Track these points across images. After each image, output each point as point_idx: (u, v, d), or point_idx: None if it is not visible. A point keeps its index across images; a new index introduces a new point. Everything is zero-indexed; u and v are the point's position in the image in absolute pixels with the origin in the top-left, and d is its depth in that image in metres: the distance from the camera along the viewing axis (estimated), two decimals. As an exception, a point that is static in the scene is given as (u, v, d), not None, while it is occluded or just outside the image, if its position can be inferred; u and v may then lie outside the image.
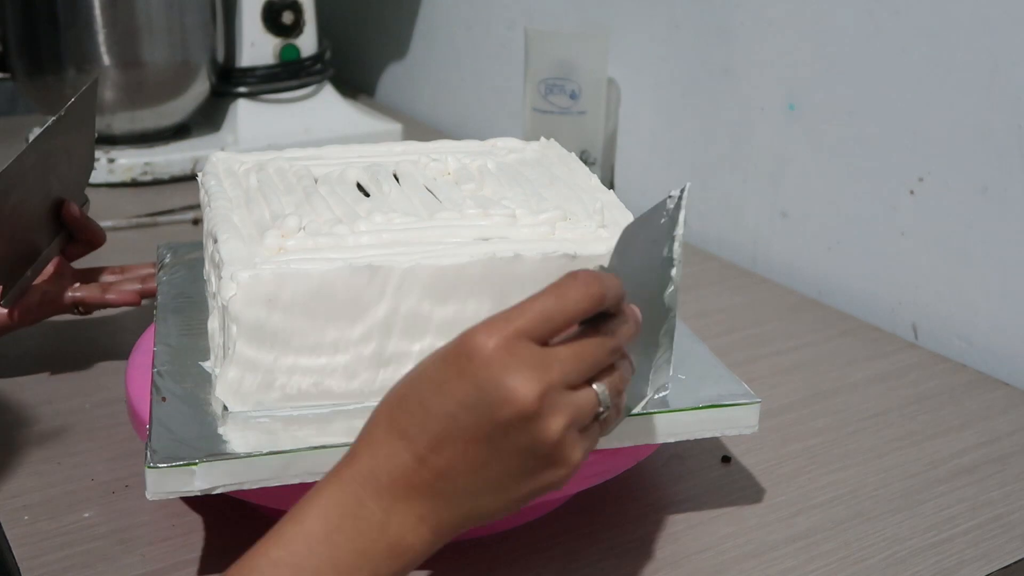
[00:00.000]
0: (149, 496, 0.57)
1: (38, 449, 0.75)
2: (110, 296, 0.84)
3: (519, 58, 1.27)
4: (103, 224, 1.12)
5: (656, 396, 0.65)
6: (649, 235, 0.59)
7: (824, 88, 1.01)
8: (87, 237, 0.84)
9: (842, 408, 0.83)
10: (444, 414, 0.49)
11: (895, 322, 0.98)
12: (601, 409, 0.51)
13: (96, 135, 0.88)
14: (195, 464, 0.58)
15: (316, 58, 1.40)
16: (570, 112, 1.18)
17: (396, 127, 1.44)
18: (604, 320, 0.52)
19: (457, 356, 0.49)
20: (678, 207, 0.60)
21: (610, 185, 1.25)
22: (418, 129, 1.46)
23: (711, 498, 0.71)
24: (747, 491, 0.72)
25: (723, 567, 0.65)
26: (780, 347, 0.92)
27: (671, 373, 0.66)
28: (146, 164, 1.29)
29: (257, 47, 1.36)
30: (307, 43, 1.39)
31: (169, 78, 1.30)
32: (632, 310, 0.54)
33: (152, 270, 0.86)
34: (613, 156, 1.27)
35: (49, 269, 0.83)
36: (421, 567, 0.64)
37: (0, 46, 1.28)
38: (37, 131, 1.37)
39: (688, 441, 0.66)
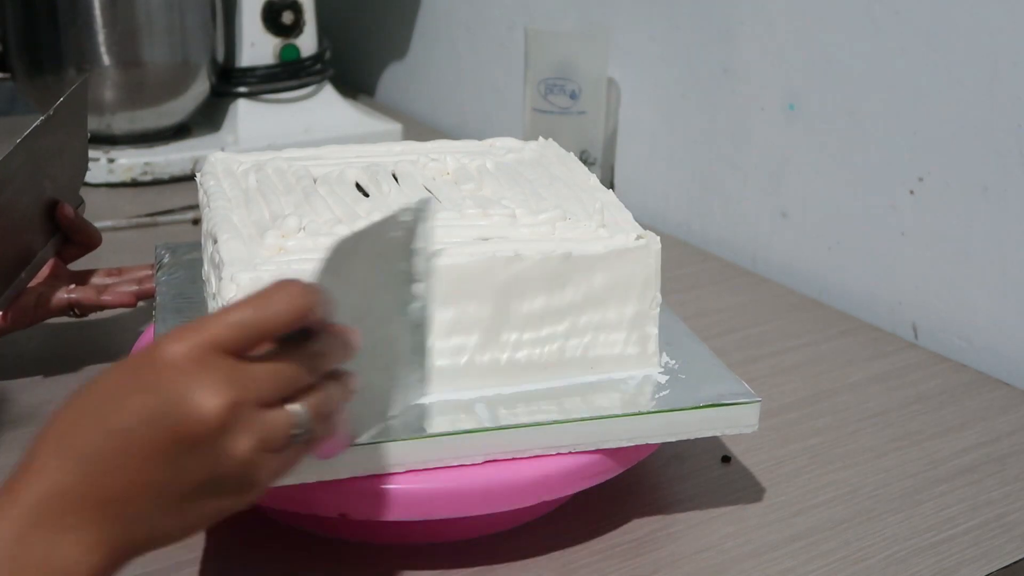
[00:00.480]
0: None
1: (38, 449, 0.75)
2: (105, 298, 0.83)
3: (519, 58, 1.27)
4: (103, 224, 1.12)
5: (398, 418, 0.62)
6: (375, 248, 0.56)
7: (824, 88, 1.01)
8: (82, 239, 0.84)
9: (842, 408, 0.83)
10: (121, 429, 0.45)
11: (895, 322, 0.98)
12: (297, 431, 0.48)
13: (89, 135, 0.87)
14: None
15: (316, 58, 1.40)
16: (570, 112, 1.18)
17: (396, 127, 1.44)
18: (308, 338, 0.49)
19: (141, 365, 0.46)
20: (421, 220, 0.57)
21: (610, 185, 1.25)
22: (418, 129, 1.46)
23: (711, 498, 0.71)
24: (747, 491, 0.72)
25: (723, 567, 0.65)
26: (780, 347, 0.92)
27: (422, 394, 0.63)
28: (146, 164, 1.29)
29: (257, 47, 1.36)
30: (307, 43, 1.39)
31: (169, 78, 1.30)
32: (344, 330, 0.51)
33: (149, 272, 0.86)
34: (613, 156, 1.27)
35: (44, 271, 0.82)
36: (420, 566, 0.64)
37: (0, 46, 1.28)
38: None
39: (688, 441, 0.66)
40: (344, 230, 0.65)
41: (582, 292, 0.66)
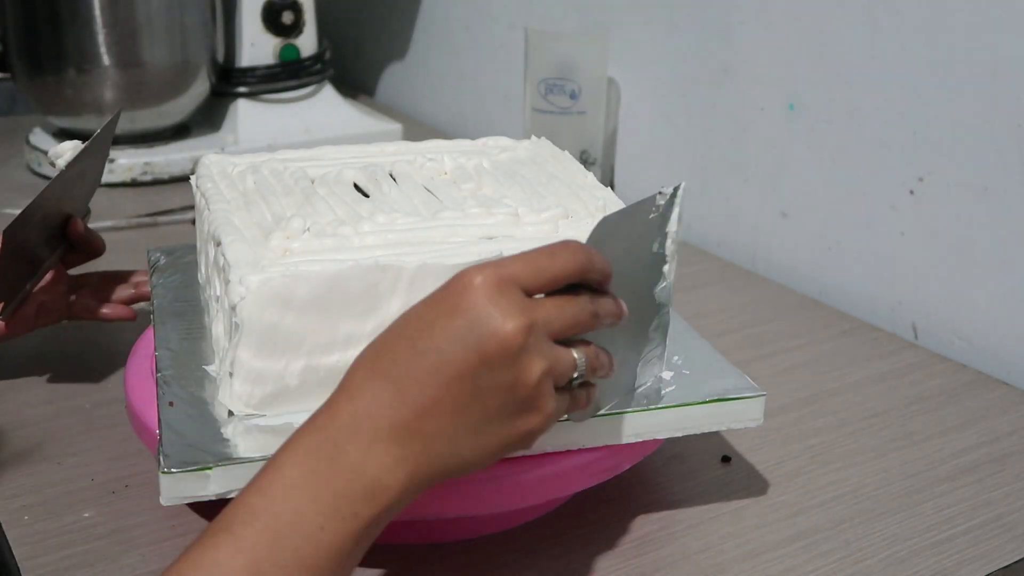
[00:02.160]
0: (164, 502, 0.57)
1: (38, 449, 0.75)
2: (104, 311, 0.84)
3: (519, 58, 1.27)
4: (103, 224, 1.12)
5: (646, 387, 0.66)
6: (634, 230, 0.59)
7: (824, 88, 1.01)
8: (88, 248, 0.84)
9: (842, 408, 0.83)
10: (432, 349, 0.50)
11: (895, 322, 0.98)
12: (576, 374, 0.53)
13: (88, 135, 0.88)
14: (210, 469, 0.58)
15: (316, 58, 1.40)
16: (570, 112, 1.18)
17: (396, 127, 1.44)
18: (585, 290, 0.54)
19: (447, 294, 0.51)
20: (671, 204, 0.61)
21: (610, 185, 1.25)
22: (418, 129, 1.46)
23: (711, 498, 0.71)
24: (747, 491, 0.72)
25: (723, 567, 0.65)
26: (780, 347, 0.92)
27: (663, 368, 0.68)
28: (146, 164, 1.29)
29: (257, 47, 1.36)
30: (307, 43, 1.39)
31: (169, 78, 1.30)
32: (615, 300, 0.55)
33: (145, 277, 0.86)
34: (613, 156, 1.27)
35: (47, 277, 0.83)
36: (420, 566, 0.65)
37: (0, 46, 1.28)
38: (38, 131, 1.37)
39: (688, 441, 0.66)
40: (348, 231, 0.65)
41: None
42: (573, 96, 1.17)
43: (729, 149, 1.12)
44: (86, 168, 0.82)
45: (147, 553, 0.65)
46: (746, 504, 0.71)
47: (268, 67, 1.37)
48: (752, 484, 0.73)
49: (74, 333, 0.91)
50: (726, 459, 0.76)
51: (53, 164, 0.82)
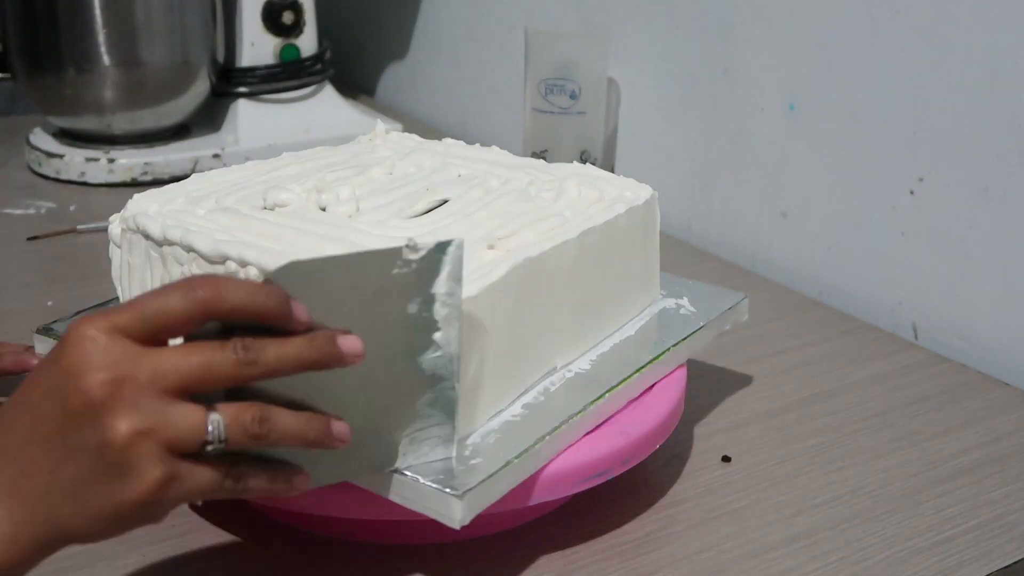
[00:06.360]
0: None
1: (38, 449, 0.75)
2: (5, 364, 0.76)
3: (519, 58, 1.27)
4: (103, 224, 1.12)
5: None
6: (367, 283, 0.52)
7: (824, 88, 1.01)
8: None
9: (842, 408, 0.83)
10: (33, 403, 0.47)
11: (895, 322, 0.98)
12: (209, 439, 0.46)
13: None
14: None
15: (316, 58, 1.40)
16: (570, 112, 1.18)
17: (396, 127, 1.43)
18: (244, 334, 0.47)
19: (59, 343, 0.47)
20: (436, 262, 0.53)
21: (610, 185, 1.25)
22: (418, 129, 1.46)
23: (711, 498, 0.71)
24: (747, 491, 0.72)
25: (723, 567, 0.65)
26: (780, 347, 0.92)
27: (451, 451, 0.58)
28: (146, 164, 1.29)
29: (257, 47, 1.36)
30: (307, 43, 1.39)
31: (169, 78, 1.30)
32: (303, 339, 0.48)
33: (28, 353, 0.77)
34: (613, 156, 1.27)
35: None
36: (420, 566, 0.64)
37: (0, 46, 1.28)
38: (38, 131, 1.37)
39: (688, 441, 0.66)
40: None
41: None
42: (573, 96, 1.17)
43: (729, 149, 1.12)
44: None
45: (147, 553, 0.65)
46: (746, 504, 0.71)
47: (268, 67, 1.37)
48: (752, 484, 0.73)
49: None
50: (726, 459, 0.76)
51: None
